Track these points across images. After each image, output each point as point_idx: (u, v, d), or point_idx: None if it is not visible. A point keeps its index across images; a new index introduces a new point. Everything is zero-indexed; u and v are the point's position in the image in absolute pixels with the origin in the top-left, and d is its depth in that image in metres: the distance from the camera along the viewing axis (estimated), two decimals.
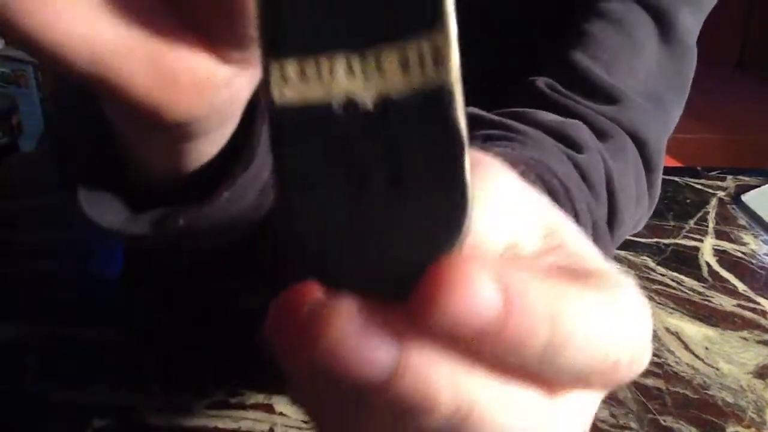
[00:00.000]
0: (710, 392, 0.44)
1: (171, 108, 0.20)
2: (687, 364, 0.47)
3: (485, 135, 0.34)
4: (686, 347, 0.49)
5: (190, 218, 0.27)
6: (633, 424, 0.41)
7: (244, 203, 0.28)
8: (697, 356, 0.48)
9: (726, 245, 0.63)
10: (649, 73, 0.44)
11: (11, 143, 1.68)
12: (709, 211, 0.69)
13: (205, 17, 0.19)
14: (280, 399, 0.42)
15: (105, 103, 0.24)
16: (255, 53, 0.17)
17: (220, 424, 0.40)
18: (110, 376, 0.44)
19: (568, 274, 0.16)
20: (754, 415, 0.42)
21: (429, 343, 0.14)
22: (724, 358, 0.47)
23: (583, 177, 0.35)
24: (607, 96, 0.42)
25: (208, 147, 0.26)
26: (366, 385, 0.14)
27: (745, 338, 0.50)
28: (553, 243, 0.18)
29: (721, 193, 0.73)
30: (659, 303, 0.53)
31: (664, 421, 0.42)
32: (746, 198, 0.71)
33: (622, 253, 0.59)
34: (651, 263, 0.59)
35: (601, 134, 0.40)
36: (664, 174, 0.45)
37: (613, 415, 0.42)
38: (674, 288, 0.56)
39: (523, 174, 0.28)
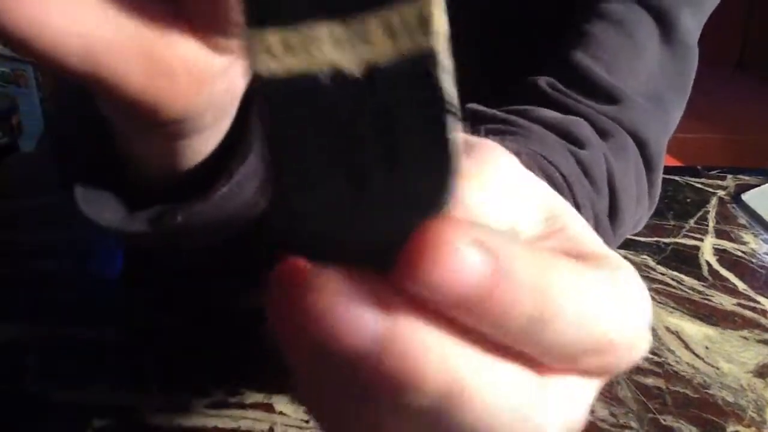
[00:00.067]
0: (710, 391, 0.44)
1: (168, 103, 0.20)
2: (687, 363, 0.47)
3: (487, 129, 0.34)
4: (686, 346, 0.49)
5: (187, 215, 0.27)
6: (633, 424, 0.41)
7: (241, 200, 0.28)
8: (697, 355, 0.48)
9: (726, 244, 0.63)
10: (650, 73, 0.44)
11: (11, 143, 1.68)
12: (709, 211, 0.69)
13: (197, 6, 0.19)
14: (280, 398, 0.42)
15: (102, 102, 0.24)
16: None
17: (220, 424, 0.40)
18: (110, 376, 0.44)
19: (567, 255, 0.16)
20: (754, 415, 0.42)
21: (416, 314, 0.14)
22: (725, 358, 0.47)
23: (585, 172, 0.35)
24: (608, 96, 0.42)
25: (204, 144, 0.26)
26: (354, 357, 0.13)
27: (745, 337, 0.50)
28: (554, 227, 0.18)
29: (721, 193, 0.73)
30: (659, 302, 0.53)
31: (664, 420, 0.42)
32: (746, 197, 0.71)
33: (622, 252, 0.59)
34: (651, 262, 0.59)
35: (602, 133, 0.40)
36: (664, 173, 0.46)
37: (613, 415, 0.42)
38: (674, 287, 0.56)
39: (527, 166, 0.28)
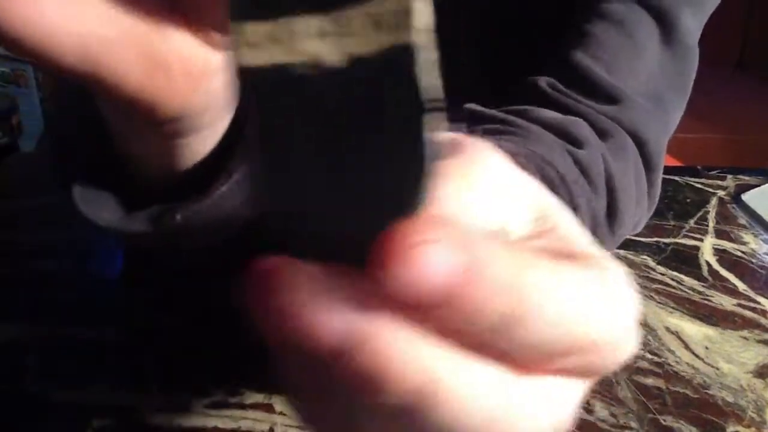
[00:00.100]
0: (710, 392, 0.44)
1: (166, 101, 0.20)
2: (687, 363, 0.47)
3: (484, 129, 0.34)
4: (686, 347, 0.49)
5: (186, 214, 0.27)
6: (633, 424, 0.41)
7: (241, 199, 0.28)
8: (697, 356, 0.48)
9: (726, 244, 0.63)
10: (651, 73, 0.44)
11: (11, 143, 1.68)
12: (709, 211, 0.69)
13: (193, 1, 0.19)
14: (280, 398, 0.42)
15: (101, 101, 0.24)
16: None
17: (220, 424, 0.40)
18: (110, 376, 0.44)
19: (555, 255, 0.16)
20: (754, 415, 0.42)
21: (389, 312, 0.14)
22: (724, 358, 0.47)
23: (583, 172, 0.35)
24: (607, 96, 0.42)
25: (203, 143, 0.26)
26: (326, 356, 0.13)
27: (745, 338, 0.50)
28: (544, 226, 0.18)
29: (721, 193, 0.73)
30: (659, 302, 0.53)
31: (664, 420, 0.42)
32: (746, 197, 0.71)
33: (622, 252, 0.59)
34: (651, 262, 0.59)
35: (601, 134, 0.40)
36: (664, 173, 0.45)
37: (613, 415, 0.42)
38: (674, 287, 0.56)
39: (523, 166, 0.28)
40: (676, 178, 0.75)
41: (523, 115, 0.37)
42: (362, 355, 0.13)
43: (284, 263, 0.14)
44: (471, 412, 0.14)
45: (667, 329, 0.50)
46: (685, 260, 0.60)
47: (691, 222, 0.67)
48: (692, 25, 0.45)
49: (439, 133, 0.14)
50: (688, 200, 0.71)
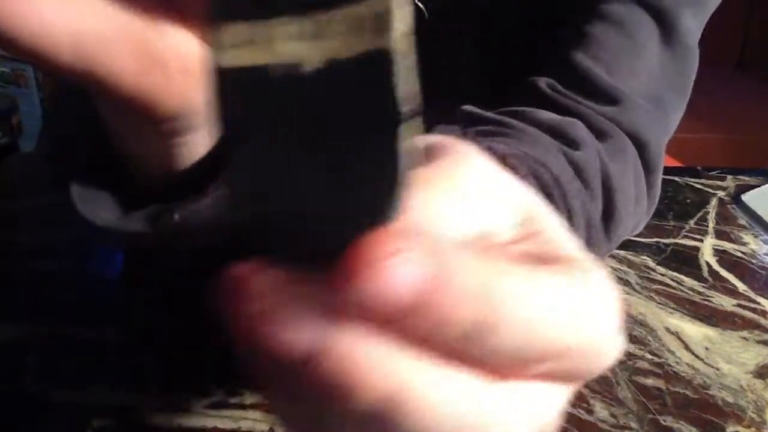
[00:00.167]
0: (710, 392, 0.44)
1: (163, 98, 0.20)
2: (687, 364, 0.47)
3: (479, 131, 0.34)
4: (686, 347, 0.49)
5: (185, 214, 0.27)
6: (633, 424, 0.41)
7: None
8: (697, 356, 0.48)
9: (726, 245, 0.63)
10: (651, 74, 0.44)
11: (11, 143, 1.68)
12: (709, 211, 0.69)
13: None
14: None
15: (99, 101, 0.24)
16: None
17: (220, 424, 0.40)
18: (110, 376, 0.44)
19: (538, 260, 0.16)
20: (754, 415, 0.42)
21: (357, 320, 0.13)
22: (724, 358, 0.47)
23: (578, 173, 0.35)
24: (607, 97, 0.42)
25: (201, 142, 0.26)
26: (294, 362, 0.13)
27: (745, 338, 0.50)
28: (528, 230, 0.18)
29: (721, 193, 0.73)
30: (659, 303, 0.53)
31: (664, 421, 0.42)
32: (746, 198, 0.71)
33: (622, 252, 0.59)
34: (651, 263, 0.59)
35: (600, 135, 0.40)
36: (664, 174, 0.45)
37: (613, 415, 0.42)
38: (674, 288, 0.56)
39: (515, 168, 0.28)
40: (676, 178, 0.75)
41: (520, 116, 0.37)
42: (329, 362, 0.13)
43: (254, 269, 0.14)
44: (442, 420, 0.14)
45: (667, 330, 0.50)
46: (685, 261, 0.60)
47: (691, 222, 0.67)
48: (693, 25, 0.45)
49: (416, 140, 0.13)
50: (688, 200, 0.71)
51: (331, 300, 0.13)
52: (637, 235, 0.48)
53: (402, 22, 0.13)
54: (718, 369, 0.46)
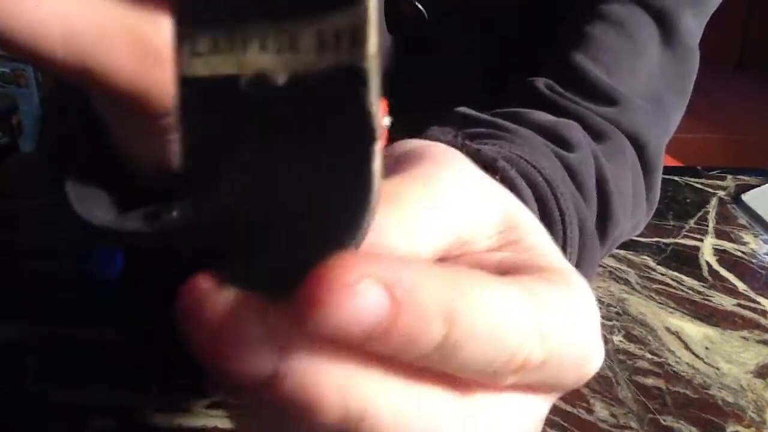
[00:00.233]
0: (710, 392, 0.44)
1: (160, 92, 0.20)
2: (687, 363, 0.47)
3: (471, 133, 0.34)
4: (686, 347, 0.49)
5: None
6: (633, 424, 0.41)
7: None
8: (697, 356, 0.48)
9: (726, 245, 0.63)
10: (651, 75, 0.44)
11: (11, 143, 1.68)
12: (709, 211, 0.69)
13: None
14: None
15: (96, 99, 0.24)
16: None
17: (220, 424, 0.40)
18: (110, 376, 0.44)
19: (515, 269, 0.16)
20: (754, 415, 0.42)
21: (314, 344, 0.13)
22: (725, 358, 0.47)
23: (572, 176, 0.35)
24: (606, 97, 0.42)
25: None
26: (253, 384, 0.13)
27: (745, 338, 0.50)
28: (508, 238, 0.18)
29: (721, 193, 0.73)
30: (659, 302, 0.53)
31: (664, 420, 0.42)
32: (746, 198, 0.71)
33: (622, 252, 0.59)
34: (651, 263, 0.59)
35: (598, 136, 0.40)
36: (664, 173, 0.45)
37: (613, 415, 0.42)
38: (674, 287, 0.56)
39: (505, 170, 0.27)
40: (676, 178, 0.75)
41: (515, 117, 0.37)
42: (286, 385, 0.13)
43: (212, 289, 0.14)
44: None
45: (667, 329, 0.50)
46: (685, 260, 0.60)
47: (691, 222, 0.67)
48: (693, 26, 0.45)
49: (378, 163, 0.13)
50: (688, 200, 0.71)
51: (291, 323, 0.13)
52: (637, 235, 0.48)
53: (373, 42, 0.13)
54: (718, 369, 0.46)
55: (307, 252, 0.13)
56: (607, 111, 0.41)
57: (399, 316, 0.13)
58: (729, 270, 0.59)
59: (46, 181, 0.30)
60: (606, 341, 0.47)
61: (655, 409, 0.42)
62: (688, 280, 0.57)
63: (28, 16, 0.17)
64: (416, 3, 0.47)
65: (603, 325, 0.49)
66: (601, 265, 0.56)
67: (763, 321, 0.52)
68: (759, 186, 0.73)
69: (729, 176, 0.77)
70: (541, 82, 0.42)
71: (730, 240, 0.64)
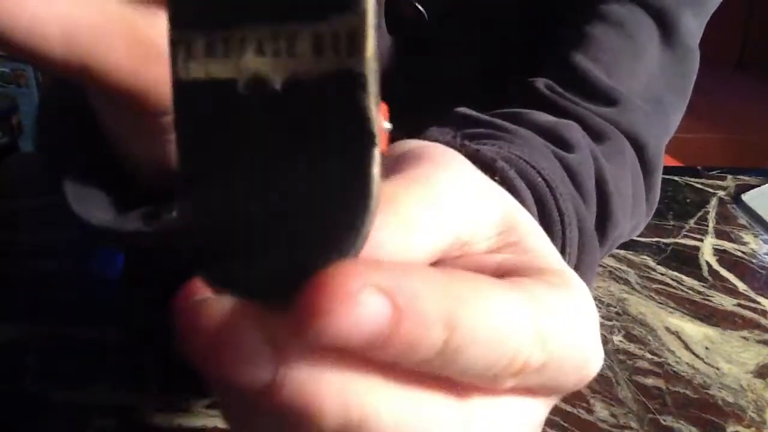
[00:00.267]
0: (710, 392, 0.44)
1: (158, 89, 0.20)
2: (687, 363, 0.47)
3: (471, 133, 0.34)
4: (686, 347, 0.49)
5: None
6: (633, 424, 0.41)
7: None
8: (697, 356, 0.48)
9: (726, 245, 0.63)
10: (651, 75, 0.44)
11: (11, 143, 1.68)
12: (709, 211, 0.69)
13: None
14: None
15: (93, 98, 0.24)
16: None
17: (220, 424, 0.40)
18: (110, 376, 0.44)
19: (514, 271, 0.16)
20: (754, 415, 0.42)
21: (313, 352, 0.13)
22: (725, 358, 0.47)
23: (571, 176, 0.34)
24: (606, 98, 0.42)
25: None
26: (251, 390, 0.13)
27: (745, 338, 0.50)
28: (508, 240, 0.18)
29: (721, 193, 0.73)
30: (659, 302, 0.53)
31: (664, 420, 0.42)
32: (746, 197, 0.71)
33: (622, 252, 0.59)
34: (651, 263, 0.59)
35: (598, 136, 0.40)
36: (664, 173, 0.45)
37: (613, 415, 0.42)
38: (674, 287, 0.56)
39: (504, 171, 0.27)
40: (676, 178, 0.75)
41: (515, 118, 0.37)
42: (285, 391, 0.13)
43: (209, 296, 0.14)
44: None
45: (667, 329, 0.50)
46: (685, 260, 0.60)
47: (691, 222, 0.67)
48: (693, 26, 0.45)
49: (378, 168, 0.13)
50: (688, 200, 0.71)
51: (290, 331, 0.13)
52: (638, 235, 0.48)
53: (371, 47, 0.12)
54: (718, 369, 0.46)
55: (307, 252, 0.13)
56: (606, 111, 0.41)
57: (401, 323, 0.13)
58: (729, 270, 0.59)
59: (46, 181, 0.30)
60: (606, 341, 0.47)
61: (655, 409, 0.42)
62: (688, 280, 0.57)
63: (28, 15, 0.17)
64: (416, 4, 0.47)
65: (603, 325, 0.49)
66: (601, 265, 0.56)
67: (763, 321, 0.52)
68: (759, 186, 0.73)
69: (729, 176, 0.77)
70: (540, 83, 0.42)
71: (730, 240, 0.64)
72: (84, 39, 0.18)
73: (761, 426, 0.41)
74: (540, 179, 0.31)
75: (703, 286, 0.56)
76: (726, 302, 0.54)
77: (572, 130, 0.38)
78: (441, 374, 0.14)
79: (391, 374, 0.14)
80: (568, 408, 0.41)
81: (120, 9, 0.18)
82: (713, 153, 2.47)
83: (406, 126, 0.25)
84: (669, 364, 0.47)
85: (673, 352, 0.48)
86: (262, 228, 0.13)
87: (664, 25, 0.44)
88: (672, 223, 0.66)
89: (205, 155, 0.14)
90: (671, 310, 0.53)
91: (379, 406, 0.14)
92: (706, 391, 0.44)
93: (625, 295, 0.54)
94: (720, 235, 0.65)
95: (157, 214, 0.28)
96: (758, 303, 0.54)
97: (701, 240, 0.63)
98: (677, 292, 0.55)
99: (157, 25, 0.19)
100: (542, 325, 0.15)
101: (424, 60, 0.49)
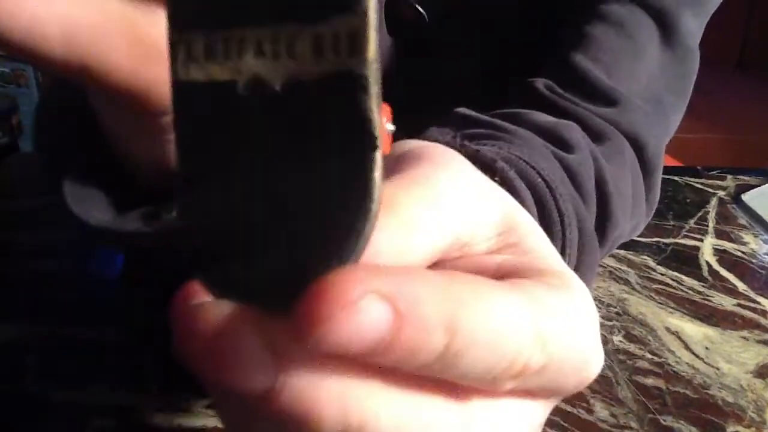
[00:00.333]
0: (710, 392, 0.44)
1: (158, 89, 0.20)
2: (687, 363, 0.47)
3: (470, 134, 0.34)
4: (686, 347, 0.49)
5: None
6: (633, 424, 0.41)
7: None
8: (697, 356, 0.48)
9: (726, 245, 0.63)
10: (651, 76, 0.44)
11: (11, 143, 1.68)
12: (709, 211, 0.69)
13: None
14: None
15: (93, 98, 0.24)
16: None
17: (220, 424, 0.40)
18: (110, 376, 0.44)
19: (514, 272, 0.16)
20: (754, 415, 0.42)
21: (313, 358, 0.13)
22: (725, 358, 0.47)
23: (571, 177, 0.34)
24: (606, 98, 0.42)
25: None
26: (249, 395, 0.13)
27: (745, 338, 0.50)
28: (507, 240, 0.18)
29: (721, 193, 0.73)
30: (659, 302, 0.53)
31: (664, 420, 0.42)
32: (746, 198, 0.71)
33: (622, 252, 0.59)
34: (651, 263, 0.59)
35: (597, 136, 0.40)
36: (664, 173, 0.45)
37: (613, 415, 0.42)
38: (674, 287, 0.56)
39: (504, 171, 0.27)
40: (676, 178, 0.75)
41: (515, 118, 0.37)
42: (284, 397, 0.13)
43: (206, 300, 0.14)
44: None
45: (667, 329, 0.50)
46: (685, 260, 0.60)
47: (691, 222, 0.67)
48: (693, 26, 0.45)
49: (379, 171, 0.13)
50: (688, 200, 0.71)
51: (290, 338, 0.13)
52: (638, 235, 0.48)
53: (372, 49, 0.12)
54: (718, 369, 0.46)
55: (307, 253, 0.13)
56: (606, 112, 0.41)
57: (402, 329, 0.13)
58: (729, 270, 0.59)
59: (46, 181, 0.30)
60: (606, 341, 0.47)
61: (655, 409, 0.42)
62: (688, 280, 0.57)
63: (27, 15, 0.17)
64: (416, 5, 0.47)
65: (603, 325, 0.49)
66: (601, 265, 0.56)
67: (763, 321, 0.52)
68: (759, 186, 0.73)
69: (729, 176, 0.77)
70: (540, 83, 0.42)
71: (730, 240, 0.64)
72: (84, 39, 0.18)
73: (761, 426, 0.41)
74: (540, 180, 0.31)
75: (703, 286, 0.56)
76: (726, 302, 0.54)
77: (572, 131, 0.38)
78: (440, 378, 0.14)
79: (391, 378, 0.14)
80: (568, 408, 0.41)
81: (120, 8, 0.18)
82: (713, 153, 2.47)
83: (406, 127, 0.25)
84: (669, 364, 0.47)
85: (673, 352, 0.48)
86: (261, 229, 0.13)
87: (664, 25, 0.44)
88: (672, 223, 0.66)
89: (204, 156, 0.13)
90: (671, 310, 0.53)
91: (378, 410, 0.14)
92: (706, 391, 0.44)
93: (625, 295, 0.54)
94: (720, 235, 0.65)
95: (156, 214, 0.28)
96: (758, 303, 0.54)
97: (701, 240, 0.63)
98: (677, 292, 0.55)
99: (158, 24, 0.19)
100: (542, 326, 0.15)
101: (424, 61, 0.49)
